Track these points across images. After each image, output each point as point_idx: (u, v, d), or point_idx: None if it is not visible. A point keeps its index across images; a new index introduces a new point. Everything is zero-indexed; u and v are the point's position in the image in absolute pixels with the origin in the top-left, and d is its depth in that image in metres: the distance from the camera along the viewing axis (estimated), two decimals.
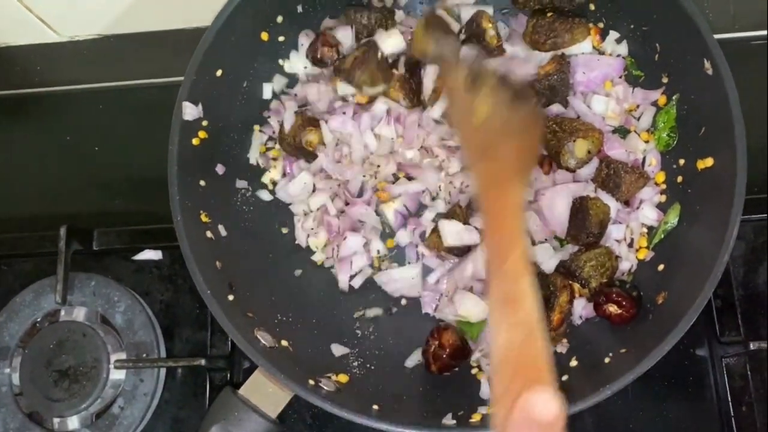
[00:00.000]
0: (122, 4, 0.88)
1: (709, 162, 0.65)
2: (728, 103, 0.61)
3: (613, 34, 0.73)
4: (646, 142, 0.72)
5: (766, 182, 0.76)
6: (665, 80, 0.70)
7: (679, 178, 0.69)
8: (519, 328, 0.48)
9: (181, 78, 0.70)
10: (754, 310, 0.74)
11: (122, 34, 0.93)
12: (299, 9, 0.74)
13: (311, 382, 0.62)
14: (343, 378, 0.66)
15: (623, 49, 0.73)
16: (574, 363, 0.65)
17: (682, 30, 0.65)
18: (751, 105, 0.64)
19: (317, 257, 0.76)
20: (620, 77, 0.73)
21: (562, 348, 0.68)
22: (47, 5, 0.87)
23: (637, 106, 0.73)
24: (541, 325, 0.48)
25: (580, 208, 0.69)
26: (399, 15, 0.76)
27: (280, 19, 0.73)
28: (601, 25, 0.73)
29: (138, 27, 0.92)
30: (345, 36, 0.74)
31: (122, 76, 0.93)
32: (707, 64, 0.63)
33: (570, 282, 0.68)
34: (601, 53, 0.74)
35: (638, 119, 0.73)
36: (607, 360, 0.62)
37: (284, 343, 0.66)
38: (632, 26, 0.71)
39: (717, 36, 0.64)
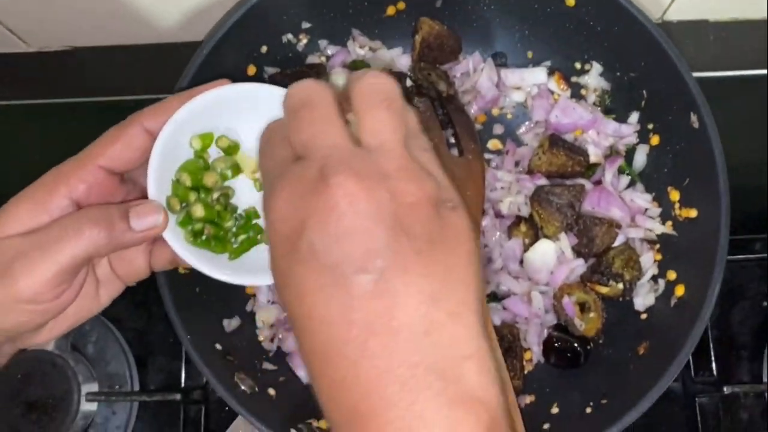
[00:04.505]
0: (95, 15, 0.85)
1: (692, 213, 0.65)
2: (714, 160, 0.61)
3: (597, 68, 0.73)
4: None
5: (741, 224, 0.77)
6: (650, 126, 0.70)
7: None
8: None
9: (155, 96, 0.68)
10: (727, 352, 0.76)
11: (94, 47, 0.90)
12: (284, 39, 0.72)
13: (293, 430, 0.61)
14: (324, 424, 0.65)
15: (596, 81, 0.73)
16: (555, 410, 0.66)
17: (670, 82, 0.65)
18: (727, 143, 0.64)
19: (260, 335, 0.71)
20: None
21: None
22: (17, 14, 0.84)
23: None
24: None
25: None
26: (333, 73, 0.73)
27: (264, 49, 0.71)
28: (588, 67, 0.73)
29: (110, 40, 0.89)
30: None
31: (93, 91, 0.90)
32: (693, 118, 0.64)
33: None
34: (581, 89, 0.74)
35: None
36: (588, 410, 0.63)
37: (269, 390, 0.65)
38: (618, 73, 0.71)
39: (696, 74, 0.64)
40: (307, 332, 0.34)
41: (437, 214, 0.35)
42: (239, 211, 0.53)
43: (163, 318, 0.81)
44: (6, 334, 0.48)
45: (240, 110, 0.52)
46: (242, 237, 0.53)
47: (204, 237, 0.51)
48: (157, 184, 0.49)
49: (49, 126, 0.90)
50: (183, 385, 0.77)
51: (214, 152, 0.53)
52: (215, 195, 0.51)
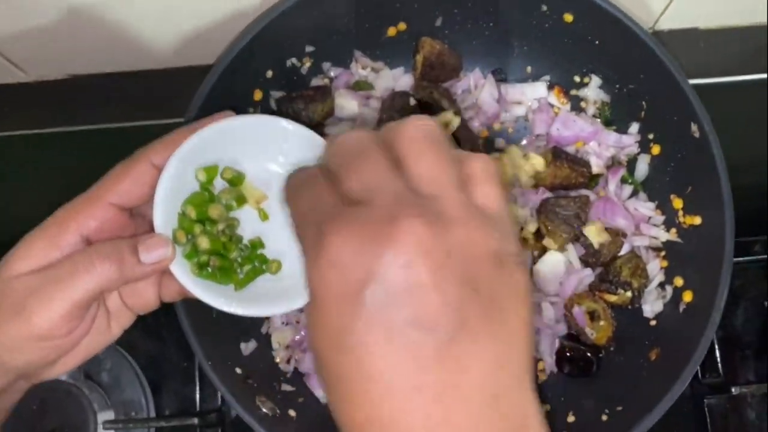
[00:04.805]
0: (93, 43, 0.85)
1: (697, 220, 0.67)
2: (715, 168, 0.63)
3: (596, 81, 0.74)
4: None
5: (739, 227, 0.79)
6: (651, 136, 0.72)
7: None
8: None
9: (156, 122, 0.67)
10: (732, 352, 0.78)
11: (92, 74, 0.90)
12: (288, 63, 0.73)
13: None
14: None
15: (595, 93, 0.75)
16: (571, 418, 0.67)
17: (668, 92, 0.66)
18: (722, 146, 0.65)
19: (277, 356, 0.71)
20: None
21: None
22: (15, 43, 0.84)
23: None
24: None
25: None
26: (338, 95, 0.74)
27: (270, 74, 0.72)
28: (587, 80, 0.75)
29: (108, 67, 0.89)
30: None
31: (93, 119, 0.90)
32: (694, 128, 0.65)
33: None
34: (581, 101, 0.76)
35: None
36: (604, 417, 0.64)
37: (289, 412, 0.66)
38: (617, 85, 0.73)
39: (691, 81, 0.66)
40: (365, 399, 0.32)
41: (501, 268, 0.33)
42: (244, 242, 0.54)
43: (175, 342, 0.82)
44: (19, 372, 0.48)
45: (244, 141, 0.53)
46: (247, 267, 0.53)
47: (209, 269, 0.51)
48: (164, 217, 0.50)
49: (50, 156, 0.90)
50: (198, 408, 0.77)
51: (219, 183, 0.54)
52: (220, 227, 0.52)
